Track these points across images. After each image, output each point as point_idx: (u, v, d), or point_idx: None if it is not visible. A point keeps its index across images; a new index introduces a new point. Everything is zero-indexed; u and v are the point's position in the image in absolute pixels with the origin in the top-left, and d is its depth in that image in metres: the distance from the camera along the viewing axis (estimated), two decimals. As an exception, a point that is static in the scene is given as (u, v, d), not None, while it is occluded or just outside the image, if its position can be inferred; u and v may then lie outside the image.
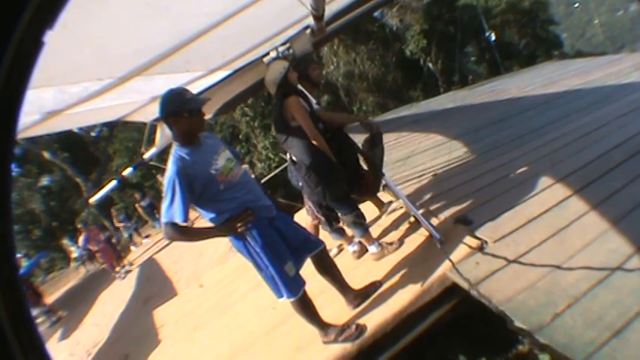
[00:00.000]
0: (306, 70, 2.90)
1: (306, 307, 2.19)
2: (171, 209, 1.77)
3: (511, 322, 1.93)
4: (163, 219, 1.79)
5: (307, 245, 2.22)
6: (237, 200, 1.92)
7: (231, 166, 1.95)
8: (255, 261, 2.03)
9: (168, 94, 1.83)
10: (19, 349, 0.56)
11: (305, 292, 2.14)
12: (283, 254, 2.04)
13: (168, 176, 1.79)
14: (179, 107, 1.80)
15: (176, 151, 1.85)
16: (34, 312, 8.93)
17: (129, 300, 6.57)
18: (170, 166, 1.80)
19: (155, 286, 6.34)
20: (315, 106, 2.73)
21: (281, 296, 2.10)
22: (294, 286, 2.07)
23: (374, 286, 2.58)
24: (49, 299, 10.12)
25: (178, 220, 1.77)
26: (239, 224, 1.88)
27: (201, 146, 1.92)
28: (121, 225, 11.22)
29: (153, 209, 10.33)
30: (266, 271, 2.03)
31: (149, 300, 5.59)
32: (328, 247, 2.47)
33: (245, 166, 2.12)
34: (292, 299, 2.08)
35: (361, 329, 2.24)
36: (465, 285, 2.17)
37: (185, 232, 1.89)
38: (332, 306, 2.54)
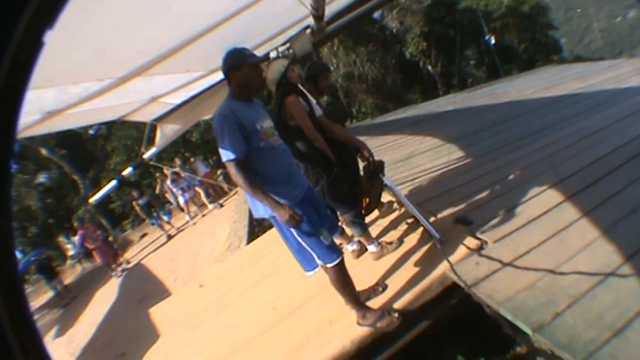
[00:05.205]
0: (317, 75, 2.87)
1: (346, 276, 2.19)
2: (226, 149, 1.82)
3: (506, 325, 1.94)
4: (223, 160, 1.84)
5: (334, 227, 2.28)
6: (272, 167, 1.95)
7: (273, 131, 2.02)
8: (285, 235, 2.07)
9: (229, 51, 1.95)
10: (19, 348, 0.55)
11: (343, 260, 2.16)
12: (317, 224, 2.06)
13: (217, 122, 1.86)
14: (239, 61, 1.91)
15: (227, 102, 1.92)
16: (51, 286, 9.36)
17: (119, 300, 6.56)
18: (218, 113, 1.88)
19: (150, 286, 6.30)
20: (318, 112, 2.70)
21: (313, 268, 2.13)
22: (333, 252, 2.10)
23: (375, 291, 2.55)
24: (45, 297, 10.12)
25: (233, 156, 1.80)
26: (292, 217, 1.87)
27: (251, 104, 2.00)
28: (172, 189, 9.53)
29: (150, 208, 10.28)
30: (299, 244, 2.05)
31: (144, 299, 5.56)
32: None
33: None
34: (332, 264, 2.09)
35: (400, 319, 2.23)
36: (464, 285, 2.17)
37: (243, 173, 1.84)
38: (330, 304, 2.53)
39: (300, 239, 2.03)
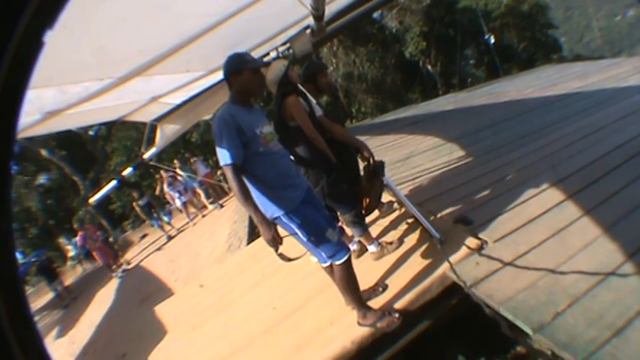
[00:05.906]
0: (315, 74, 2.87)
1: (352, 275, 2.21)
2: (224, 153, 1.83)
3: (505, 325, 1.94)
4: (221, 164, 1.86)
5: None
6: (272, 171, 1.96)
7: (272, 136, 2.04)
8: (295, 236, 2.09)
9: (231, 56, 1.97)
10: (19, 348, 0.55)
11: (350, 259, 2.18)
12: (322, 225, 2.08)
13: (216, 126, 1.86)
14: (240, 65, 1.94)
15: (227, 106, 1.95)
16: (51, 287, 9.40)
17: (119, 301, 6.56)
18: (218, 118, 1.90)
19: (150, 286, 6.30)
20: (318, 112, 2.70)
21: (326, 262, 2.17)
22: (341, 249, 2.12)
23: (375, 291, 2.55)
24: (46, 299, 10.13)
25: (230, 160, 1.81)
26: (274, 238, 1.89)
27: (251, 109, 2.02)
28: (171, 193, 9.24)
29: (150, 208, 10.29)
30: (308, 244, 2.09)
31: (145, 300, 5.55)
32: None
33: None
34: (341, 261, 2.11)
35: (400, 319, 2.24)
36: (463, 285, 2.17)
37: (238, 179, 1.86)
38: (330, 304, 2.53)
39: (305, 240, 2.06)
